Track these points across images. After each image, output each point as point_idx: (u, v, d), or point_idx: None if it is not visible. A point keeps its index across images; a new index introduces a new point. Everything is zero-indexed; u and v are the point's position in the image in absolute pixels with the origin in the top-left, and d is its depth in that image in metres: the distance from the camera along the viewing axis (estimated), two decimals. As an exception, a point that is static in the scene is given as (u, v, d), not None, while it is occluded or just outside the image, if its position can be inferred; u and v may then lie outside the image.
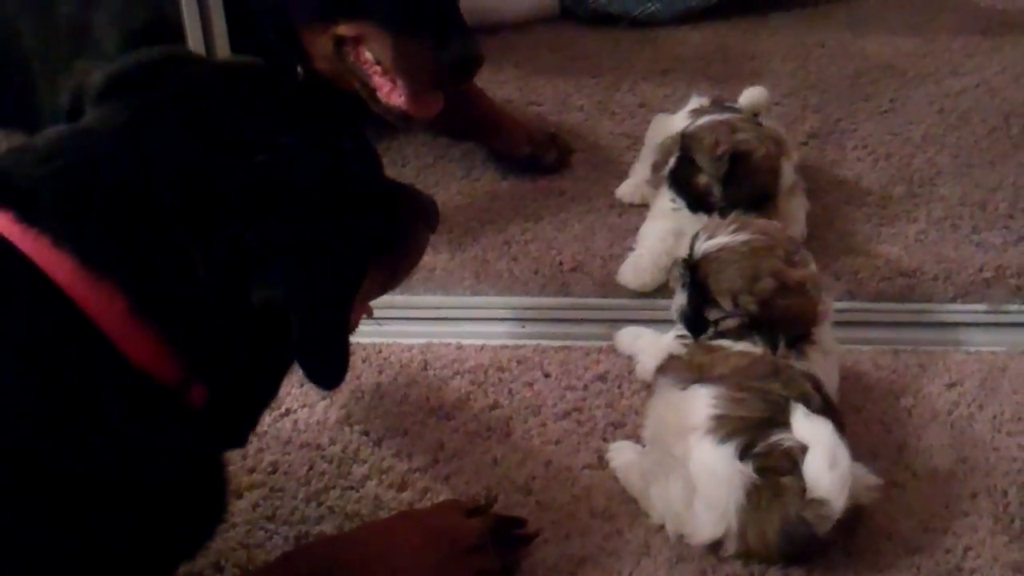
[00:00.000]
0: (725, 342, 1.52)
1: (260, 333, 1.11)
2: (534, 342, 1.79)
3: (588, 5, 2.81)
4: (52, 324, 1.04)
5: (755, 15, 2.83)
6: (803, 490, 1.34)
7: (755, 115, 1.97)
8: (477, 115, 2.25)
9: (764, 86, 2.18)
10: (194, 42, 1.82)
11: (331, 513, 1.50)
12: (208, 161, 1.09)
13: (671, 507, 1.42)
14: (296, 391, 1.66)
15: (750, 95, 2.05)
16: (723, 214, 1.70)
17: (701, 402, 1.41)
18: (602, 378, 1.71)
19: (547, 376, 1.72)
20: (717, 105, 2.03)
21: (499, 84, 2.47)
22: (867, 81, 2.53)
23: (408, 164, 2.24)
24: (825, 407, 1.42)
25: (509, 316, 1.87)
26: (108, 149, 1.10)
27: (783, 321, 1.50)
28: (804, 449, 1.35)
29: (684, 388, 1.45)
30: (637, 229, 1.97)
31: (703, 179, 1.82)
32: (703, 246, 1.57)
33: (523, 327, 1.85)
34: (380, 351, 1.77)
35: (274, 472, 1.56)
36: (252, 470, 1.55)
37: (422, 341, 1.79)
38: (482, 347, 1.78)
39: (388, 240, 1.31)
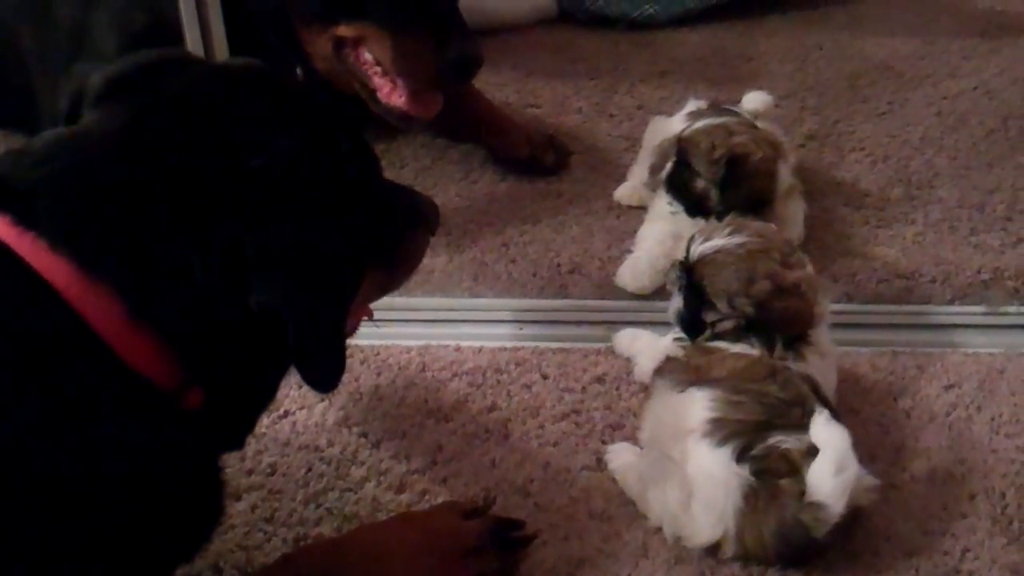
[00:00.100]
0: (723, 344, 1.52)
1: (257, 336, 1.11)
2: (532, 344, 1.79)
3: (586, 7, 2.81)
4: (49, 327, 1.04)
5: (753, 17, 2.83)
6: (801, 493, 1.34)
7: (754, 118, 1.97)
8: (475, 117, 2.25)
9: (762, 88, 2.18)
10: (192, 44, 1.82)
11: (329, 515, 1.50)
12: (205, 164, 1.09)
13: (668, 510, 1.42)
14: (294, 393, 1.66)
15: (752, 99, 2.05)
16: (720, 218, 1.70)
17: (698, 405, 1.41)
18: (600, 380, 1.71)
19: (545, 378, 1.72)
20: (715, 108, 2.02)
21: (497, 86, 2.47)
22: (865, 83, 2.53)
23: (406, 166, 2.24)
24: (824, 407, 1.42)
25: (507, 318, 1.87)
26: (105, 152, 1.10)
27: (779, 323, 1.51)
28: (803, 453, 1.36)
29: (682, 391, 1.45)
30: (635, 231, 1.97)
31: (700, 183, 1.82)
32: (699, 249, 1.58)
33: (521, 329, 1.85)
34: (378, 353, 1.77)
35: (272, 474, 1.56)
36: (250, 472, 1.55)
37: (420, 343, 1.79)
38: (480, 349, 1.78)
39: (387, 243, 1.31)
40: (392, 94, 1.97)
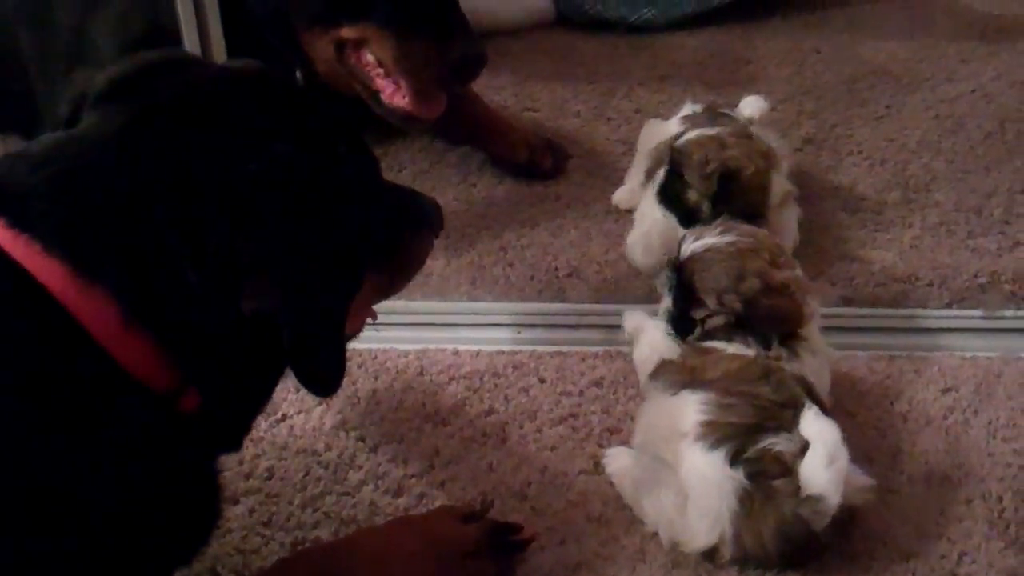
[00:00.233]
0: (718, 344, 1.52)
1: (253, 340, 1.11)
2: (530, 348, 1.80)
3: (584, 11, 2.82)
4: (44, 331, 1.04)
5: (751, 21, 2.83)
6: (796, 490, 1.34)
7: (750, 124, 1.97)
8: (474, 120, 2.25)
9: (760, 92, 2.19)
10: (191, 49, 1.82)
11: (327, 519, 1.50)
12: (201, 168, 1.08)
13: (664, 515, 1.42)
14: (292, 397, 1.66)
15: (748, 104, 2.05)
16: None
17: (691, 408, 1.41)
18: (598, 384, 1.71)
19: (543, 382, 1.72)
20: (710, 112, 2.02)
21: (496, 90, 2.48)
22: (863, 87, 2.53)
23: (404, 169, 2.25)
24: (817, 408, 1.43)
25: (505, 322, 1.87)
26: (102, 156, 1.10)
27: (768, 321, 1.52)
28: (795, 454, 1.36)
29: (674, 393, 1.45)
30: (634, 234, 1.98)
31: (693, 195, 1.81)
32: (690, 247, 1.59)
33: (519, 333, 1.85)
34: (376, 357, 1.77)
35: (270, 478, 1.56)
36: (248, 476, 1.55)
37: (418, 347, 1.79)
38: (478, 353, 1.78)
39: (388, 245, 1.31)
40: (395, 95, 1.97)
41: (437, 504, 1.51)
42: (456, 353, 1.79)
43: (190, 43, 1.83)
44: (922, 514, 1.48)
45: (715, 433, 1.38)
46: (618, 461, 1.54)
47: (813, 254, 1.96)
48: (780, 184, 1.88)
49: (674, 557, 1.42)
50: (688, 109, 2.08)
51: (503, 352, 1.78)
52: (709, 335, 1.55)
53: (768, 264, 1.55)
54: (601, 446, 1.60)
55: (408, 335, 1.82)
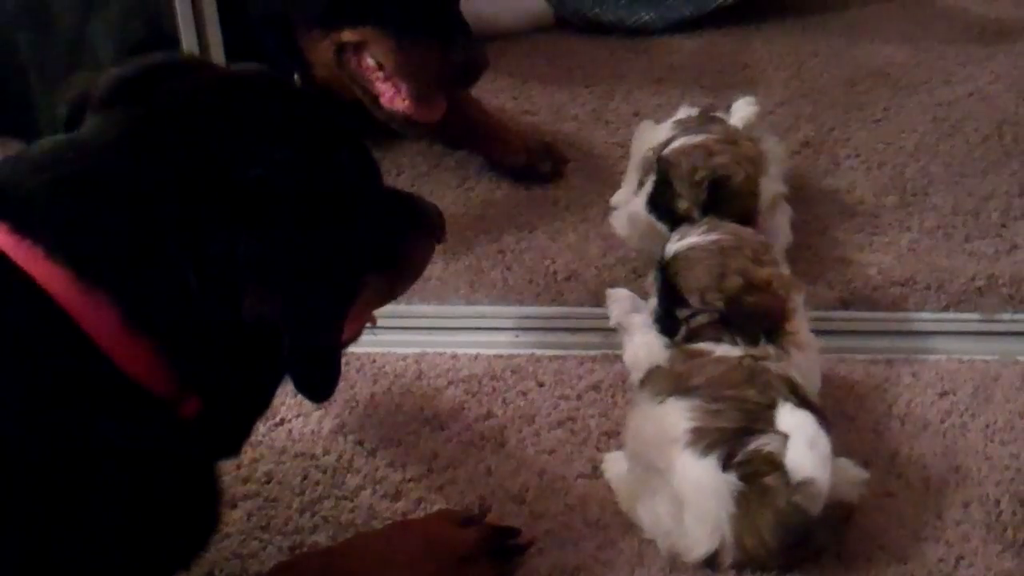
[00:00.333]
0: (706, 346, 1.52)
1: (253, 346, 1.11)
2: (528, 351, 1.80)
3: (582, 14, 2.82)
4: (45, 335, 1.04)
5: (748, 24, 2.83)
6: (788, 483, 1.34)
7: (742, 126, 1.96)
8: (472, 124, 2.25)
9: (757, 95, 2.18)
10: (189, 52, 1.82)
11: (325, 523, 1.50)
12: (202, 174, 1.09)
13: (660, 525, 1.42)
14: (290, 401, 1.66)
15: (740, 107, 2.04)
16: None
17: (678, 415, 1.41)
18: (596, 387, 1.71)
19: (541, 385, 1.72)
20: (704, 116, 2.01)
21: (494, 93, 2.47)
22: (860, 90, 2.53)
23: (403, 172, 2.25)
24: (804, 407, 1.42)
25: (503, 326, 1.87)
26: (103, 160, 1.10)
27: (751, 318, 1.52)
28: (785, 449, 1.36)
29: (661, 401, 1.45)
30: (631, 238, 1.98)
31: (683, 204, 1.79)
32: (674, 247, 1.60)
33: (517, 336, 1.85)
34: (374, 361, 1.77)
35: (268, 482, 1.56)
36: (246, 480, 1.56)
37: (416, 351, 1.80)
38: (476, 356, 1.78)
39: (387, 252, 1.30)
40: (395, 99, 1.98)
41: (435, 508, 1.51)
42: (454, 357, 1.79)
43: (188, 46, 1.83)
44: (919, 517, 1.48)
45: (705, 439, 1.38)
46: (617, 466, 1.54)
47: (810, 257, 1.96)
48: (769, 187, 1.86)
49: (672, 561, 1.42)
50: (683, 112, 2.08)
51: (501, 356, 1.78)
52: (695, 334, 1.55)
53: (751, 261, 1.56)
54: (599, 450, 1.60)
55: (406, 339, 1.82)
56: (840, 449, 1.46)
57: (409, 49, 1.93)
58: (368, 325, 1.43)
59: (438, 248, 1.92)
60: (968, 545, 1.44)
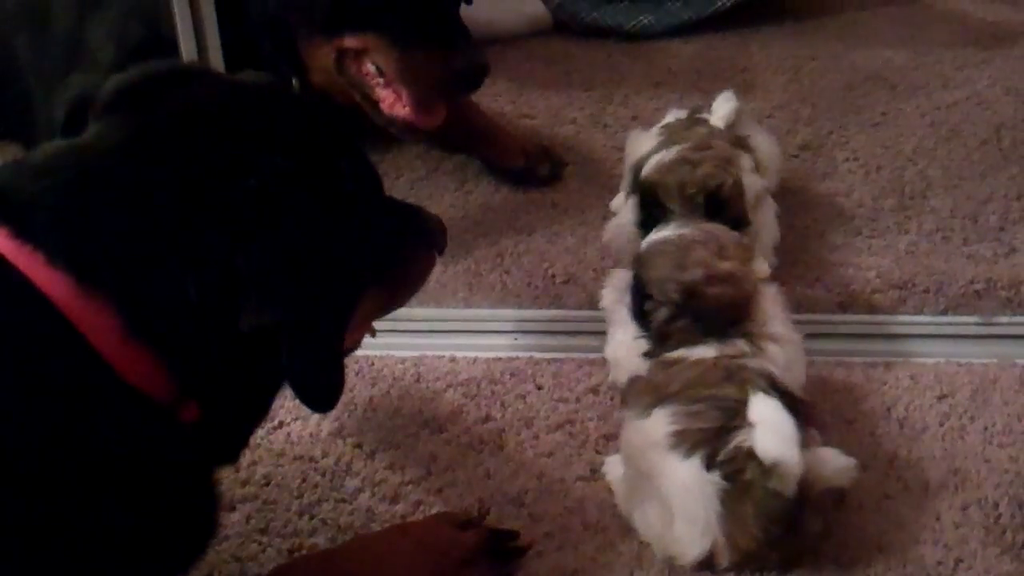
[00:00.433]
0: (682, 352, 1.52)
1: (252, 353, 1.11)
2: (527, 354, 1.80)
3: (581, 18, 2.82)
4: (45, 340, 1.04)
5: (747, 28, 2.83)
6: (764, 471, 1.34)
7: (725, 126, 1.95)
8: (470, 128, 2.25)
9: (755, 99, 2.19)
10: (188, 57, 1.82)
11: (324, 526, 1.50)
12: (202, 182, 1.09)
13: (653, 529, 1.42)
14: (289, 404, 1.65)
15: (720, 106, 2.03)
16: None
17: (660, 422, 1.41)
18: (594, 390, 1.71)
19: (540, 388, 1.73)
20: (692, 119, 2.01)
21: (492, 97, 2.47)
22: (858, 94, 2.54)
23: (401, 176, 2.25)
24: (785, 401, 1.42)
25: (502, 328, 1.87)
26: (104, 167, 1.10)
27: (712, 310, 1.53)
28: None
29: (647, 415, 1.44)
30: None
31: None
32: (645, 243, 1.62)
33: (516, 339, 1.85)
34: (373, 364, 1.77)
35: (267, 484, 1.56)
36: (245, 482, 1.56)
37: (415, 354, 1.80)
38: (475, 359, 1.78)
39: (388, 263, 1.30)
40: (396, 105, 1.98)
41: (434, 511, 1.51)
42: (453, 360, 1.79)
43: (187, 50, 1.83)
44: (918, 520, 1.48)
45: (687, 441, 1.38)
46: (617, 469, 1.54)
47: (809, 260, 1.96)
48: (753, 184, 1.85)
49: (670, 564, 1.42)
50: (671, 116, 2.08)
51: (500, 359, 1.78)
52: (666, 337, 1.55)
53: (714, 255, 1.56)
54: (598, 452, 1.60)
55: (405, 342, 1.82)
56: (841, 450, 1.46)
57: (410, 56, 1.93)
58: (368, 335, 1.42)
59: (437, 251, 1.93)
60: (967, 548, 1.44)
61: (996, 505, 1.50)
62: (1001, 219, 2.08)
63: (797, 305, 1.87)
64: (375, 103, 1.99)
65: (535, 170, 2.22)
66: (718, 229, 1.63)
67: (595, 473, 1.56)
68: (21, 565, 1.02)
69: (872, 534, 1.46)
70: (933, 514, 1.49)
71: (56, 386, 1.04)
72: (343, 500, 1.53)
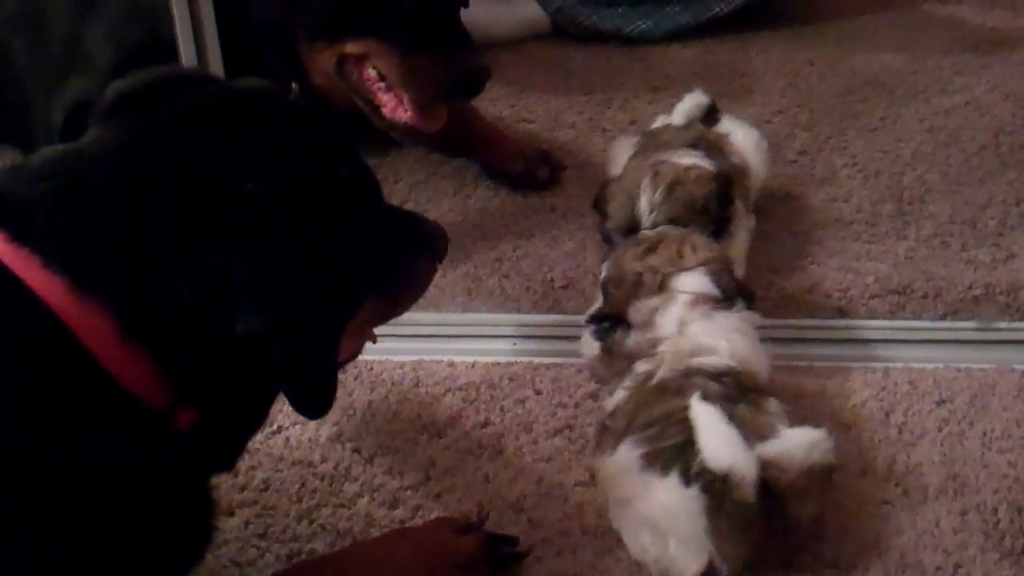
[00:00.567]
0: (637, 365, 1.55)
1: (249, 360, 1.11)
2: (526, 359, 1.80)
3: (580, 23, 2.82)
4: (41, 344, 1.04)
5: (745, 33, 2.84)
6: (725, 481, 1.33)
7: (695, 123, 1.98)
8: (470, 132, 2.26)
9: (754, 103, 2.18)
10: (187, 60, 1.82)
11: (323, 531, 1.50)
12: (199, 188, 1.08)
13: (650, 555, 1.41)
14: (288, 409, 1.63)
15: (685, 104, 2.05)
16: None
17: (628, 451, 1.42)
18: (593, 396, 1.71)
19: (539, 393, 1.72)
20: (672, 127, 2.02)
21: (491, 101, 2.47)
22: (857, 99, 2.54)
23: (400, 181, 2.25)
24: (733, 388, 1.45)
25: (501, 333, 1.87)
26: (102, 172, 1.10)
27: (611, 307, 1.62)
28: None
29: (614, 451, 1.45)
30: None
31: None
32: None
33: (515, 344, 1.85)
34: (372, 368, 1.77)
35: (266, 490, 1.56)
36: (244, 488, 1.55)
37: (414, 358, 1.80)
38: (474, 364, 1.78)
39: (387, 270, 1.29)
40: (398, 109, 1.98)
41: (433, 516, 1.51)
42: (452, 365, 1.79)
43: (186, 54, 1.83)
44: (917, 526, 1.48)
45: (658, 460, 1.38)
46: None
47: (807, 265, 1.97)
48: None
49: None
50: (660, 121, 2.09)
51: (499, 364, 1.78)
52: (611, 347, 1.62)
53: (636, 256, 1.62)
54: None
55: (404, 346, 1.81)
56: (838, 458, 1.46)
57: (412, 60, 1.94)
58: (369, 342, 1.42)
59: (435, 255, 1.92)
60: (966, 553, 1.44)
61: (995, 510, 1.50)
62: (1000, 224, 2.08)
63: (795, 310, 1.87)
64: (376, 107, 2.00)
65: (534, 174, 2.22)
66: (672, 231, 1.68)
67: (594, 478, 1.56)
68: (12, 573, 1.02)
69: (871, 539, 1.46)
70: (932, 519, 1.49)
71: (51, 390, 1.03)
72: (342, 505, 1.53)
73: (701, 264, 1.62)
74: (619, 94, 2.57)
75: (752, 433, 1.38)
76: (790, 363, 1.74)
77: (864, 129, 2.41)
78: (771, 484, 1.33)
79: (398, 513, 1.52)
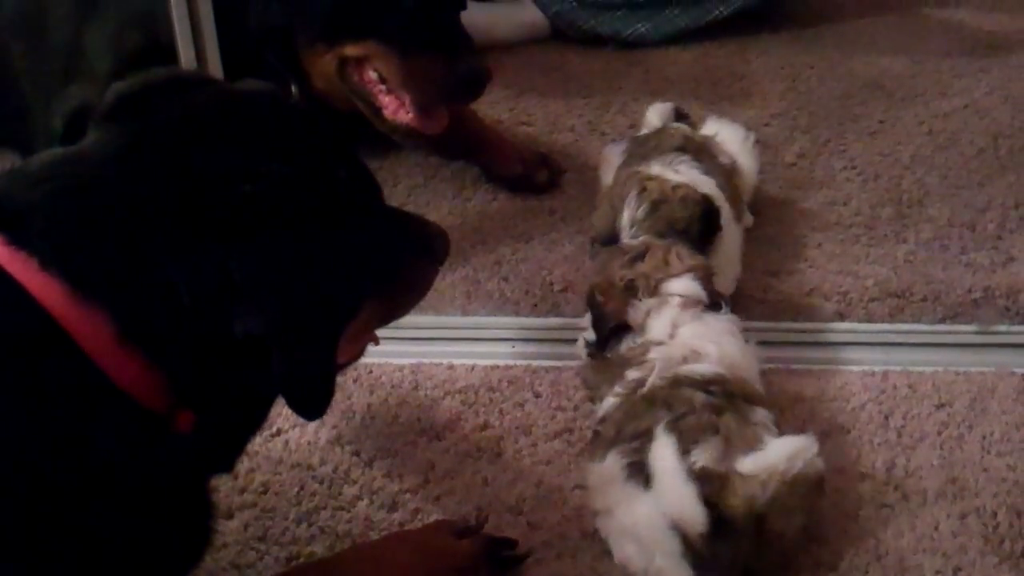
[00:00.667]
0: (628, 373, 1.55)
1: (248, 362, 1.10)
2: (525, 362, 1.80)
3: (579, 26, 2.82)
4: (39, 346, 1.04)
5: (744, 36, 2.83)
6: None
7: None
8: (469, 135, 2.25)
9: (753, 107, 2.18)
10: (187, 64, 1.82)
11: (322, 534, 1.50)
12: (198, 189, 1.08)
13: (635, 565, 1.40)
14: (287, 411, 1.64)
15: (653, 117, 2.06)
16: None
17: (614, 462, 1.42)
18: (592, 398, 1.71)
19: (538, 396, 1.72)
20: (659, 132, 2.02)
21: (490, 104, 2.47)
22: (856, 102, 2.54)
23: (399, 183, 2.25)
24: (721, 397, 1.45)
25: (500, 336, 1.87)
26: (101, 174, 1.10)
27: (595, 319, 1.63)
28: (719, 458, 1.37)
29: (602, 460, 1.45)
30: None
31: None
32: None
33: (514, 347, 1.85)
34: (371, 371, 1.77)
35: (265, 492, 1.56)
36: (243, 490, 1.55)
37: (413, 361, 1.79)
38: (473, 367, 1.78)
39: (387, 272, 1.29)
40: (399, 111, 1.98)
41: (432, 519, 1.51)
42: (451, 367, 1.79)
43: (186, 58, 1.83)
44: (917, 529, 1.48)
45: (641, 473, 1.38)
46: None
47: (806, 269, 1.97)
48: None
49: (669, 572, 1.42)
50: (648, 127, 2.09)
51: (498, 366, 1.78)
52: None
53: (624, 264, 1.63)
54: (596, 461, 1.60)
55: (403, 349, 1.81)
56: (837, 461, 1.46)
57: (413, 62, 1.94)
58: (370, 344, 1.42)
59: (435, 258, 1.92)
60: (965, 557, 1.44)
61: (994, 514, 1.50)
62: (999, 227, 2.08)
63: (794, 313, 1.87)
64: (377, 110, 2.00)
65: (533, 177, 2.22)
66: (655, 241, 1.68)
67: (591, 482, 1.56)
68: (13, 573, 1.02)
69: (870, 543, 1.46)
70: (931, 523, 1.49)
71: (48, 393, 1.03)
72: (341, 508, 1.53)
73: (688, 271, 1.62)
74: (618, 97, 2.56)
75: (737, 444, 1.39)
76: (789, 366, 1.75)
77: (863, 132, 2.41)
78: (751, 501, 1.33)
79: (397, 516, 1.52)
